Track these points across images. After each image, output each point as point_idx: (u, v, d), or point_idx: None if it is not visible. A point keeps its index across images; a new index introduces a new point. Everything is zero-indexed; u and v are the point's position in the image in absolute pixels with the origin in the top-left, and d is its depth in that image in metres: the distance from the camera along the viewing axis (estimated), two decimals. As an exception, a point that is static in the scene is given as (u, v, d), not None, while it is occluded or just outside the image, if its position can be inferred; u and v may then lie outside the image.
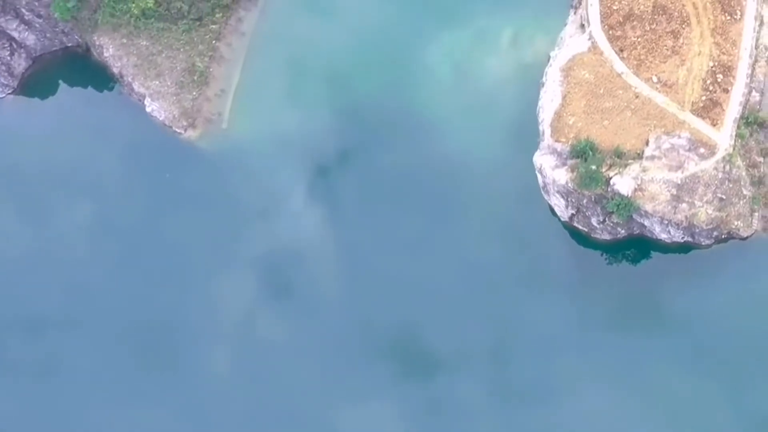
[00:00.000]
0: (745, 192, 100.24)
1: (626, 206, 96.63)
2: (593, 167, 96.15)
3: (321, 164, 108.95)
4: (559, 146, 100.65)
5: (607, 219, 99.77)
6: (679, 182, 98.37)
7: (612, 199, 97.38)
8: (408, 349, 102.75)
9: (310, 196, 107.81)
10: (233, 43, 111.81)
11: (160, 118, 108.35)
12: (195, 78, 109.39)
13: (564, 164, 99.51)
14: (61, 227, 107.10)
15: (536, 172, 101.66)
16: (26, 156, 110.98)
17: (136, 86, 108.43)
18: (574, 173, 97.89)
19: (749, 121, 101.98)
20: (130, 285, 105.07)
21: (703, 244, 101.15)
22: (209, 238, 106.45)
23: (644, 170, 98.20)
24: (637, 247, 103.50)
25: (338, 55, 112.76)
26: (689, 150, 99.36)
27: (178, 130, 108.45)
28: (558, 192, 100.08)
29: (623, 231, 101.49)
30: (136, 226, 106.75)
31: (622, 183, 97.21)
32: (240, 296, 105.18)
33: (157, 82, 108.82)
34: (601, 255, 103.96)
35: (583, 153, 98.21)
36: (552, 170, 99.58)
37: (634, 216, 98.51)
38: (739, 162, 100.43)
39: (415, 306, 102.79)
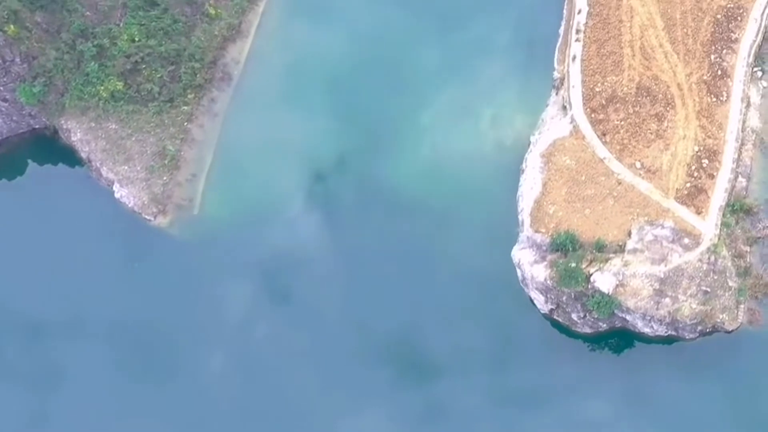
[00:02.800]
0: (730, 283, 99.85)
1: (607, 304, 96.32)
2: (573, 264, 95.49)
3: (297, 251, 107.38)
4: (539, 237, 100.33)
5: (587, 315, 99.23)
6: (662, 276, 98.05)
7: (592, 297, 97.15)
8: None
9: (285, 288, 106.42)
10: (205, 125, 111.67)
11: (129, 205, 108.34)
12: (165, 162, 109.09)
13: (543, 259, 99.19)
14: (22, 318, 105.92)
15: (515, 266, 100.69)
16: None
17: (104, 172, 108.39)
18: (553, 270, 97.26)
19: (735, 208, 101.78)
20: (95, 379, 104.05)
21: (687, 338, 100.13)
22: (179, 330, 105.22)
23: (626, 264, 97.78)
24: (619, 338, 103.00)
25: (313, 136, 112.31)
26: (673, 241, 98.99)
27: (148, 217, 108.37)
28: (536, 288, 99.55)
29: (605, 325, 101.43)
30: (103, 319, 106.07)
31: (603, 280, 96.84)
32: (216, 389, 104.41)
33: (126, 167, 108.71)
34: (583, 347, 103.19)
35: (563, 246, 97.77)
36: (530, 266, 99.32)
37: (616, 311, 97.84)
38: (724, 252, 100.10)
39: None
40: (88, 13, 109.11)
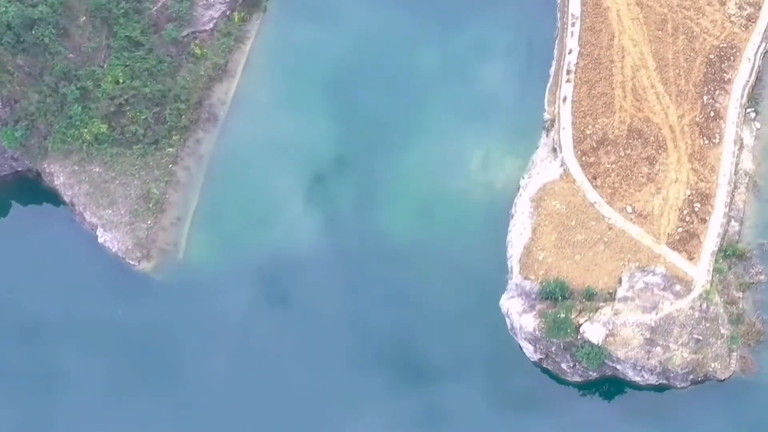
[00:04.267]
0: (723, 331, 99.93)
1: (597, 355, 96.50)
2: (562, 315, 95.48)
3: (285, 297, 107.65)
4: (528, 285, 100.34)
5: (577, 364, 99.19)
6: (653, 325, 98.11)
7: (582, 348, 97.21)
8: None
9: (273, 335, 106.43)
10: (191, 167, 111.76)
11: (113, 250, 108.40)
12: (150, 205, 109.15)
13: (532, 308, 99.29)
14: (2, 362, 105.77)
15: (504, 315, 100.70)
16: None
17: (87, 216, 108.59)
18: (542, 320, 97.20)
19: (728, 253, 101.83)
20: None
21: (678, 386, 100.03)
22: (164, 377, 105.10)
23: (616, 313, 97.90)
24: (610, 385, 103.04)
25: (300, 180, 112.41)
26: (664, 288, 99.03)
27: (132, 262, 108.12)
28: (525, 338, 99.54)
29: (595, 374, 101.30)
30: (86, 367, 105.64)
31: (593, 331, 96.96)
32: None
33: (110, 211, 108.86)
34: (573, 394, 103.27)
35: (552, 295, 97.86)
36: (519, 316, 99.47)
37: (606, 361, 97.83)
38: (716, 299, 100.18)
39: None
40: (71, 55, 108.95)
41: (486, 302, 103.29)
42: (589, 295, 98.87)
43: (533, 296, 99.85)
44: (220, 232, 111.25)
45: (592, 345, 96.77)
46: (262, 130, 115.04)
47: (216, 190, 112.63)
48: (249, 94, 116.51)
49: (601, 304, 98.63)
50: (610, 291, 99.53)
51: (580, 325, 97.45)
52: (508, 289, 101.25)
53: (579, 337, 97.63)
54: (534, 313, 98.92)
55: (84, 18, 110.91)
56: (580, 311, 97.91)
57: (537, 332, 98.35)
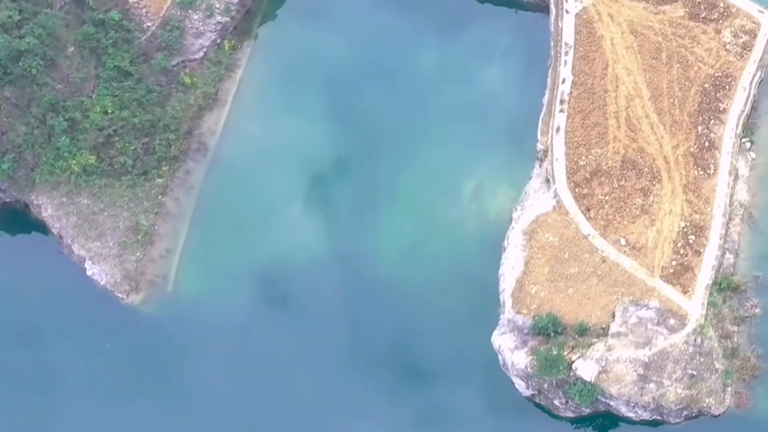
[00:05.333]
0: (717, 366, 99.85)
1: (589, 392, 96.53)
2: (554, 352, 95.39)
3: (276, 330, 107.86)
4: (520, 319, 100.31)
5: (570, 401, 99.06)
6: (647, 360, 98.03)
7: (574, 385, 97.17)
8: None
9: (263, 369, 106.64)
10: (180, 198, 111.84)
11: (102, 283, 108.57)
12: (139, 237, 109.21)
13: (524, 344, 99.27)
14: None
15: (496, 351, 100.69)
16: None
17: (76, 248, 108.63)
18: (534, 357, 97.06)
19: (722, 286, 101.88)
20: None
21: (672, 422, 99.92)
22: (154, 412, 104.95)
23: (609, 349, 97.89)
24: (603, 420, 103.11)
25: (292, 209, 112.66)
26: (658, 323, 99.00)
27: (120, 295, 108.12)
28: (517, 375, 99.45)
29: (588, 410, 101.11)
30: (74, 402, 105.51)
31: (585, 368, 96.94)
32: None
33: (99, 244, 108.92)
34: (565, 430, 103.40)
35: (545, 330, 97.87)
36: (511, 353, 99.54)
37: (599, 398, 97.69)
38: (711, 333, 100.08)
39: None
40: (59, 86, 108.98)
41: (478, 336, 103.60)
42: (582, 331, 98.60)
43: (525, 331, 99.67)
44: (209, 264, 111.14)
45: (584, 382, 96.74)
46: (252, 160, 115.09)
47: (206, 222, 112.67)
48: (239, 124, 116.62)
49: (594, 339, 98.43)
50: (603, 326, 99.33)
51: (573, 362, 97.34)
52: (500, 325, 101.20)
53: (571, 374, 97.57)
54: (526, 349, 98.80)
55: (72, 48, 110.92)
56: (573, 347, 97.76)
57: (529, 369, 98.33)
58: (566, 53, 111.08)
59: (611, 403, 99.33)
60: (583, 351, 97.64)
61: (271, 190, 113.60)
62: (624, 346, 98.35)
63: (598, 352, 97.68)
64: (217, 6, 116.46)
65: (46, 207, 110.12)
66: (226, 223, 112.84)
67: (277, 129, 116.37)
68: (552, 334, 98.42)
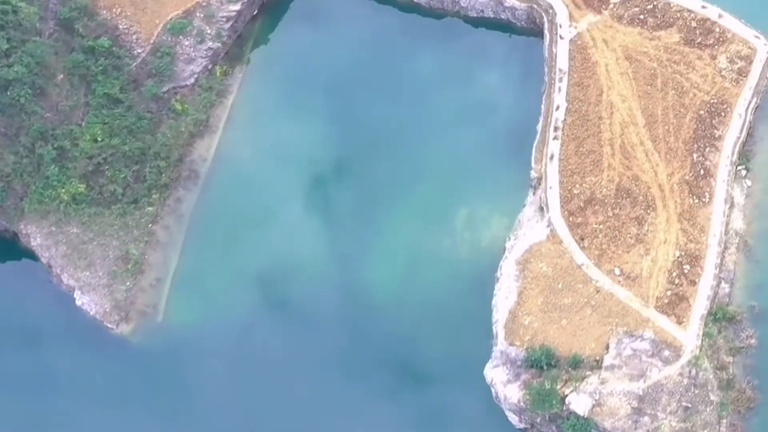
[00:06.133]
0: (712, 397, 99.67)
1: (583, 426, 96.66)
2: (547, 386, 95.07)
3: (267, 358, 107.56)
4: (513, 351, 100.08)
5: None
6: (641, 393, 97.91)
7: (567, 419, 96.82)
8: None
9: (254, 401, 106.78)
10: (171, 226, 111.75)
11: (91, 313, 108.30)
12: (129, 267, 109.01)
13: (517, 377, 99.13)
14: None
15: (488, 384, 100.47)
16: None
17: (65, 278, 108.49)
18: (527, 392, 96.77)
19: (717, 316, 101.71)
20: None
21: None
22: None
23: (603, 382, 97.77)
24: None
25: (284, 238, 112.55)
26: (652, 355, 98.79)
27: (110, 325, 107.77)
28: (510, 409, 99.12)
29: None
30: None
31: (578, 402, 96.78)
32: None
33: (88, 273, 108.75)
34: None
35: (538, 363, 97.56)
36: (504, 386, 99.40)
37: (592, 431, 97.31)
38: (706, 364, 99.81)
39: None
40: (48, 114, 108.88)
41: (471, 368, 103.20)
42: (576, 363, 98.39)
43: (518, 363, 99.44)
44: (200, 294, 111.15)
45: (578, 416, 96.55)
46: (243, 188, 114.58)
47: (197, 250, 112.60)
48: (231, 150, 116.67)
49: (588, 372, 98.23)
50: (597, 358, 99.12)
51: (566, 396, 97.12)
52: (492, 357, 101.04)
53: (565, 408, 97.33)
54: (519, 383, 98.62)
55: (61, 76, 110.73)
56: (566, 381, 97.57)
57: (522, 403, 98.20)
58: (560, 79, 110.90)
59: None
60: (577, 384, 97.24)
61: (262, 218, 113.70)
62: (618, 379, 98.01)
63: (592, 386, 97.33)
64: (209, 32, 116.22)
65: (35, 236, 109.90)
66: (217, 251, 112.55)
67: (268, 156, 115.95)
68: (545, 367, 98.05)
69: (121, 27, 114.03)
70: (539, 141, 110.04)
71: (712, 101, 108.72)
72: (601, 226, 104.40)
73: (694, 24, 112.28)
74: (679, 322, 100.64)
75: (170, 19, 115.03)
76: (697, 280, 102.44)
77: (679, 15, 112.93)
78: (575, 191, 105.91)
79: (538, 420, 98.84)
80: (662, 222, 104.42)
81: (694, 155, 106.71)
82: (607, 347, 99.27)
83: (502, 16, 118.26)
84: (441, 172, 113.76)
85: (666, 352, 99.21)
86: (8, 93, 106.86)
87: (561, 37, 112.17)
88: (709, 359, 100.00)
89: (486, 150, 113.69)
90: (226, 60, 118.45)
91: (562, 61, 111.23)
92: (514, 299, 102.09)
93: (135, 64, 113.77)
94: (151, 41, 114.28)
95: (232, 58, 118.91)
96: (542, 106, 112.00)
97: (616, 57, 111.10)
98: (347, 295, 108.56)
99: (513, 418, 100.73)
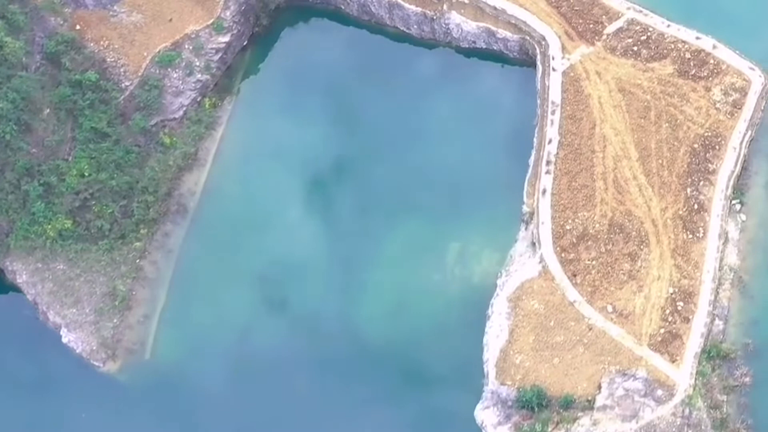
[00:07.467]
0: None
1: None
2: (538, 429, 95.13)
3: (255, 399, 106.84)
4: (504, 391, 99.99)
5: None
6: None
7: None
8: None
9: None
10: (159, 262, 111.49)
11: (78, 350, 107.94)
12: (116, 303, 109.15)
13: (508, 419, 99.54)
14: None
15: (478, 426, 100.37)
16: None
17: (51, 315, 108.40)
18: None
19: (711, 354, 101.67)
20: None
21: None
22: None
23: (595, 423, 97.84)
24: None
25: (275, 272, 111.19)
26: (645, 395, 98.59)
27: (97, 363, 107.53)
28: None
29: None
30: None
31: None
32: None
33: (75, 310, 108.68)
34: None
35: (529, 403, 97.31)
36: (494, 429, 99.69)
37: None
38: (699, 403, 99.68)
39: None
40: (33, 150, 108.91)
41: (461, 409, 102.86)
42: (567, 404, 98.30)
43: (509, 404, 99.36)
44: (188, 331, 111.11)
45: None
46: (232, 221, 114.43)
47: (185, 286, 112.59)
48: (220, 184, 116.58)
49: (580, 413, 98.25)
50: (589, 398, 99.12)
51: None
52: (483, 398, 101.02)
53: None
54: (510, 425, 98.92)
55: (48, 110, 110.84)
56: (558, 423, 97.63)
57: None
58: (553, 112, 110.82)
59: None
60: (568, 426, 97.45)
61: (252, 253, 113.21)
62: (610, 420, 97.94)
63: (584, 427, 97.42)
64: (197, 64, 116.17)
65: (21, 273, 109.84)
66: (206, 287, 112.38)
67: (257, 189, 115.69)
68: (536, 408, 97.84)
69: (108, 60, 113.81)
70: (531, 175, 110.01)
71: (706, 134, 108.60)
72: (593, 262, 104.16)
73: (688, 55, 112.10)
74: (673, 361, 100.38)
75: (158, 52, 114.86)
76: (690, 317, 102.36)
77: (673, 46, 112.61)
78: (567, 227, 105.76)
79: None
80: (656, 258, 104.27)
81: (688, 189, 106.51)
82: (600, 387, 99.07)
83: (495, 47, 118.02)
84: (431, 205, 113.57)
85: (659, 392, 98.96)
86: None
87: (554, 69, 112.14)
88: (702, 398, 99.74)
89: (478, 183, 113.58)
90: (216, 92, 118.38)
91: (555, 94, 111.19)
92: (506, 337, 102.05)
93: (123, 97, 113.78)
94: (139, 74, 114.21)
95: (221, 89, 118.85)
96: (535, 139, 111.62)
97: (610, 89, 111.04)
98: (334, 335, 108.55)
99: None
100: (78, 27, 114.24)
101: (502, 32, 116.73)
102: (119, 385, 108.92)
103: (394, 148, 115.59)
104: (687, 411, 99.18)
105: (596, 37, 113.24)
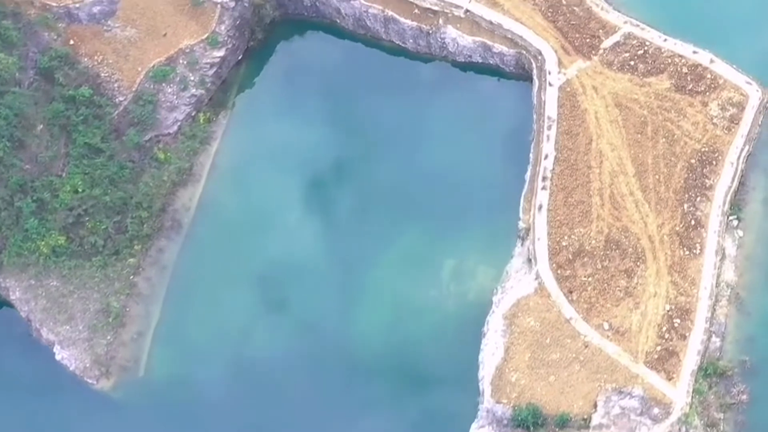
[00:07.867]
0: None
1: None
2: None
3: (250, 417, 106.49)
4: (499, 409, 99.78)
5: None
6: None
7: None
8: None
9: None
10: (153, 278, 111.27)
11: (71, 368, 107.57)
12: (110, 320, 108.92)
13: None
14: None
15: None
16: None
17: (44, 332, 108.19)
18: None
19: (708, 372, 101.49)
20: None
21: None
22: None
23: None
24: None
25: (270, 287, 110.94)
26: (641, 413, 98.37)
27: (90, 381, 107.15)
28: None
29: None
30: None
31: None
32: None
33: (68, 327, 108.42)
34: None
35: (524, 422, 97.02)
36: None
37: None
38: (696, 422, 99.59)
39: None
40: (27, 166, 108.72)
41: (456, 428, 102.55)
42: (563, 423, 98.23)
43: (505, 422, 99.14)
44: (182, 348, 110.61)
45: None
46: (227, 237, 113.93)
47: (179, 302, 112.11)
48: (215, 199, 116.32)
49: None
50: (585, 417, 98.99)
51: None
52: (478, 416, 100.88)
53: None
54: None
55: (41, 126, 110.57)
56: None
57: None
58: (549, 127, 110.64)
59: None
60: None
61: (246, 269, 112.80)
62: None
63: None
64: (192, 78, 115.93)
65: (14, 290, 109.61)
66: (200, 303, 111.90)
67: (252, 204, 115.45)
68: (532, 427, 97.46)
69: (102, 75, 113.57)
70: (527, 191, 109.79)
71: (703, 149, 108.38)
72: (589, 279, 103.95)
73: (685, 70, 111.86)
74: (669, 378, 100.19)
75: (153, 67, 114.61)
76: (687, 335, 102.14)
77: (670, 60, 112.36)
78: (564, 243, 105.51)
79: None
80: (652, 275, 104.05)
81: (685, 205, 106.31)
82: (596, 405, 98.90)
83: (491, 62, 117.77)
84: (427, 221, 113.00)
85: (655, 410, 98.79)
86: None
87: (550, 84, 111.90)
88: (699, 416, 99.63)
89: (474, 199, 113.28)
90: (210, 106, 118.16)
91: (551, 109, 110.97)
92: (501, 355, 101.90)
93: (117, 112, 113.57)
94: (133, 89, 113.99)
95: (216, 104, 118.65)
96: (531, 155, 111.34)
97: (606, 104, 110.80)
98: (328, 353, 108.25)
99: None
100: (72, 42, 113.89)
101: (498, 47, 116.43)
102: (113, 403, 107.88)
103: (389, 163, 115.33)
104: (684, 429, 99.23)
105: (593, 52, 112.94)
